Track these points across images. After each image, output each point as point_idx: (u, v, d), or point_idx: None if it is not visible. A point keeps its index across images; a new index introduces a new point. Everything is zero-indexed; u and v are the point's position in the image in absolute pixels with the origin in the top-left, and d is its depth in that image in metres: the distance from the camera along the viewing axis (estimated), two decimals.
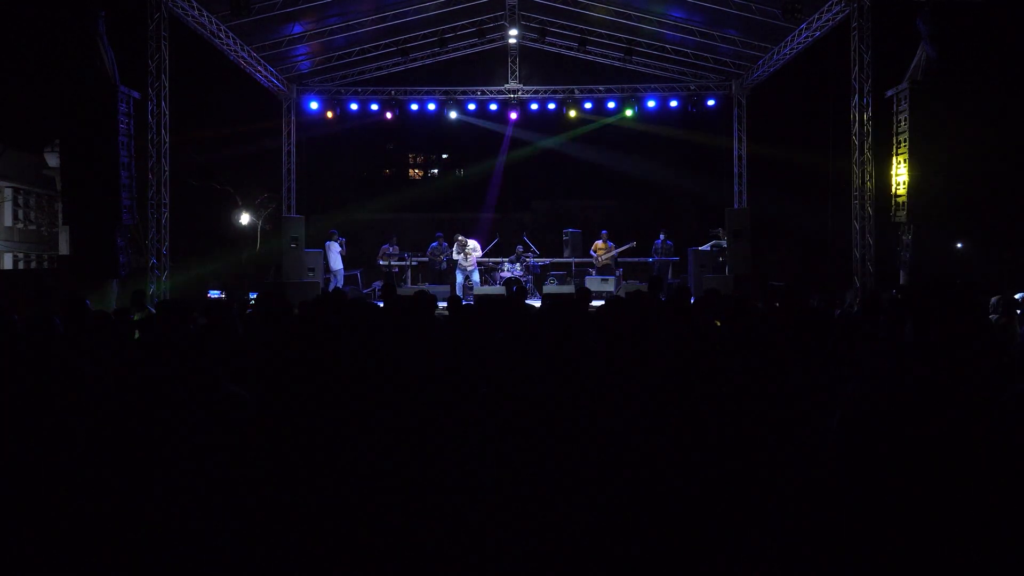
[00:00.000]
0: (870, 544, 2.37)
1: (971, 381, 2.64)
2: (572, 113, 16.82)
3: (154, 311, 5.65)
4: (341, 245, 16.15)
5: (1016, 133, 21.87)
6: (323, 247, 16.17)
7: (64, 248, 22.52)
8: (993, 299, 6.70)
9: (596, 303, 9.35)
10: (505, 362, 4.45)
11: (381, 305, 6.92)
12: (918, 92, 10.81)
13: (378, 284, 16.52)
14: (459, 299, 7.50)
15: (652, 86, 17.14)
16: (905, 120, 10.94)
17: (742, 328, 4.14)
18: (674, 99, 17.00)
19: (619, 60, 16.41)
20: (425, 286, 15.71)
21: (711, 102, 17.07)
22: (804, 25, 13.28)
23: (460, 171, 39.24)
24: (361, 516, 3.40)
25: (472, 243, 15.73)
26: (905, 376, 2.69)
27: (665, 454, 3.81)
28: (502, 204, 30.52)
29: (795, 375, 3.56)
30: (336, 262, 16.02)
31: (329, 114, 17.19)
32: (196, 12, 12.57)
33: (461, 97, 17.14)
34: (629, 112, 17.01)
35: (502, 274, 15.96)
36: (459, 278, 15.71)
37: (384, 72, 17.11)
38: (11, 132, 25.97)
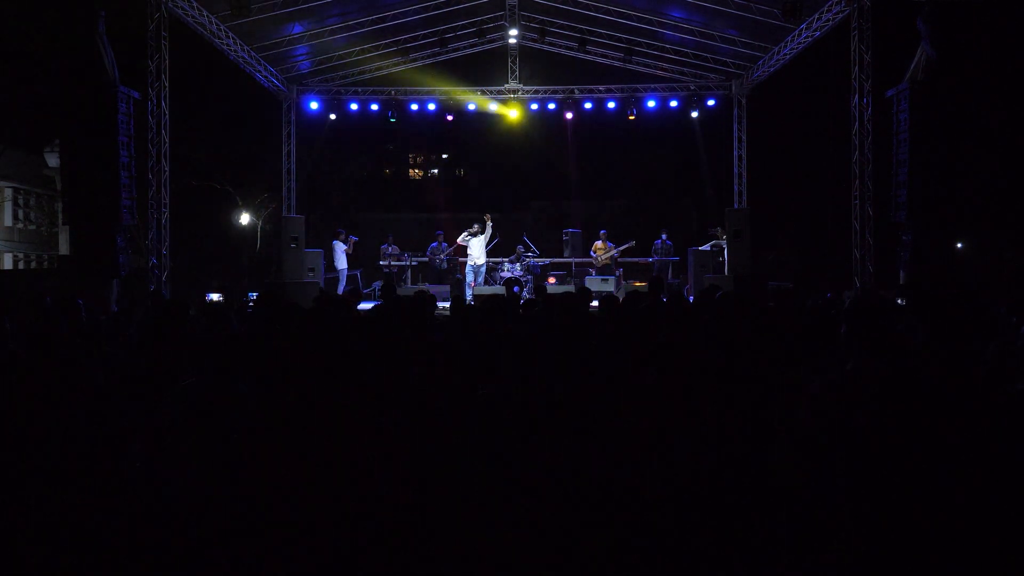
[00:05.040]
0: (865, 544, 2.37)
1: (973, 383, 2.64)
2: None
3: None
4: (348, 244, 16.10)
5: (1016, 133, 21.86)
6: (328, 246, 16.17)
7: (64, 248, 22.51)
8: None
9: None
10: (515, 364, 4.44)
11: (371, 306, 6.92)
12: (918, 92, 10.80)
13: (378, 284, 16.52)
14: (463, 300, 7.49)
15: (652, 86, 17.14)
16: (905, 120, 10.93)
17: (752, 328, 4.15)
18: (674, 99, 17.01)
19: (619, 60, 16.42)
20: (425, 286, 15.70)
21: (711, 102, 17.08)
22: (804, 25, 13.28)
23: (460, 171, 39.22)
24: (360, 517, 3.40)
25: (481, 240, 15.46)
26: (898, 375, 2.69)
27: (672, 455, 3.81)
28: (502, 204, 30.53)
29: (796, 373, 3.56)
30: (341, 261, 15.99)
31: (333, 117, 17.23)
32: (196, 12, 12.57)
33: (461, 97, 17.14)
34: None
35: (502, 274, 15.95)
36: (469, 277, 15.50)
37: (384, 72, 17.11)
38: (11, 132, 25.97)
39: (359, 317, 6.34)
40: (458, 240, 15.64)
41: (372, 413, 4.09)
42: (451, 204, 30.97)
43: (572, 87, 17.22)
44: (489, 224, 15.38)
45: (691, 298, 12.12)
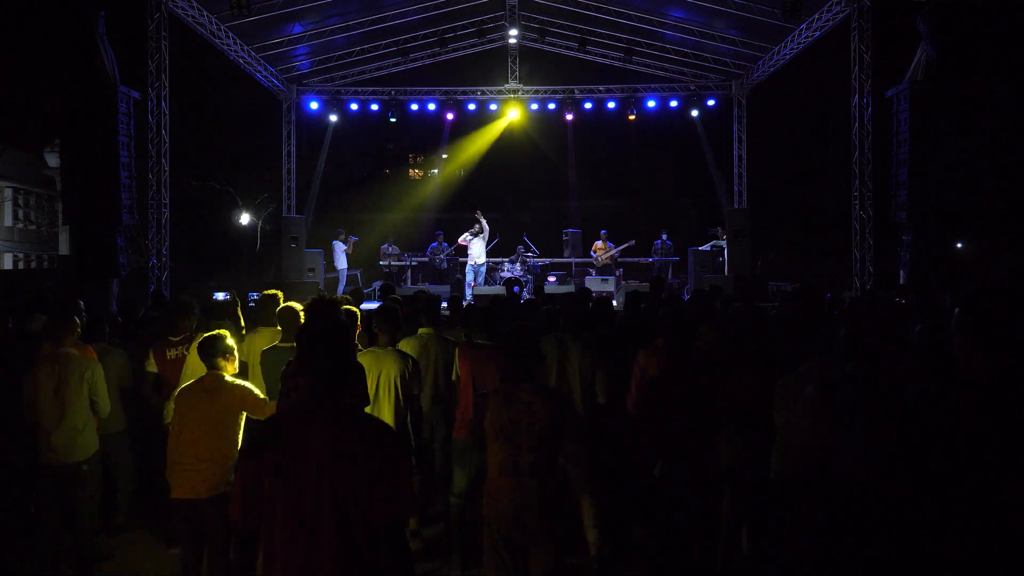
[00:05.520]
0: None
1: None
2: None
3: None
4: (348, 244, 16.10)
5: (1016, 133, 21.86)
6: (328, 246, 16.17)
7: (64, 248, 22.53)
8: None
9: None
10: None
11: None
12: (918, 92, 10.80)
13: (378, 284, 16.52)
14: (460, 300, 7.48)
15: (652, 86, 17.14)
16: (905, 120, 10.93)
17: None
18: (674, 99, 17.01)
19: (619, 60, 16.42)
20: (425, 286, 15.70)
21: (711, 102, 17.08)
22: (804, 25, 13.28)
23: (462, 171, 39.17)
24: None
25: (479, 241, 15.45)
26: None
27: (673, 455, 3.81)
28: (502, 204, 30.50)
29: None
30: (341, 261, 16.00)
31: (333, 118, 17.25)
32: (196, 12, 12.57)
33: (461, 97, 17.14)
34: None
35: (502, 274, 15.95)
36: (469, 277, 15.50)
37: (384, 72, 17.11)
38: (11, 132, 25.96)
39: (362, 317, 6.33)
40: (459, 240, 15.66)
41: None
42: (451, 204, 30.94)
43: (572, 87, 17.22)
44: (482, 220, 15.39)
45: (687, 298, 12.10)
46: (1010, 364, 1.83)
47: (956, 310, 1.99)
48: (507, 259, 16.30)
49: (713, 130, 18.58)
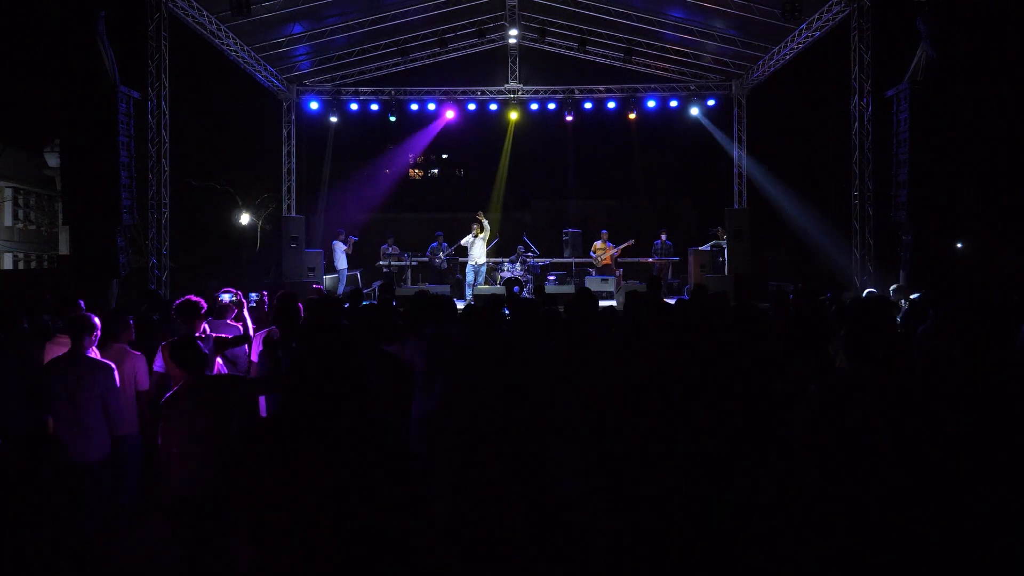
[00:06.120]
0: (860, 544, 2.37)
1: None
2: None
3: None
4: (348, 244, 16.13)
5: (1016, 133, 21.85)
6: (328, 246, 16.20)
7: (64, 248, 22.51)
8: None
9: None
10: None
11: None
12: (918, 92, 10.79)
13: (378, 284, 16.53)
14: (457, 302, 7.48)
15: (652, 86, 17.14)
16: (905, 120, 10.93)
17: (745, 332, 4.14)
18: (674, 99, 17.01)
19: (619, 60, 16.42)
20: (425, 286, 15.71)
21: (711, 102, 17.08)
22: (804, 25, 13.28)
23: (460, 171, 39.22)
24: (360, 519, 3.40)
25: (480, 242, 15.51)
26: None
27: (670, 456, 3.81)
28: (502, 204, 30.53)
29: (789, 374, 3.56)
30: (341, 261, 16.01)
31: (333, 118, 17.24)
32: (196, 12, 12.58)
33: (461, 97, 17.14)
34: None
35: (502, 274, 15.96)
36: (469, 277, 15.53)
37: (384, 72, 17.11)
38: (11, 132, 25.98)
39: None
40: (460, 242, 15.72)
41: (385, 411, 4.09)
42: (451, 204, 30.98)
43: (572, 87, 17.22)
44: (484, 222, 15.43)
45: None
46: (986, 363, 1.83)
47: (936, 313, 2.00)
48: (507, 259, 16.31)
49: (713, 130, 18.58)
